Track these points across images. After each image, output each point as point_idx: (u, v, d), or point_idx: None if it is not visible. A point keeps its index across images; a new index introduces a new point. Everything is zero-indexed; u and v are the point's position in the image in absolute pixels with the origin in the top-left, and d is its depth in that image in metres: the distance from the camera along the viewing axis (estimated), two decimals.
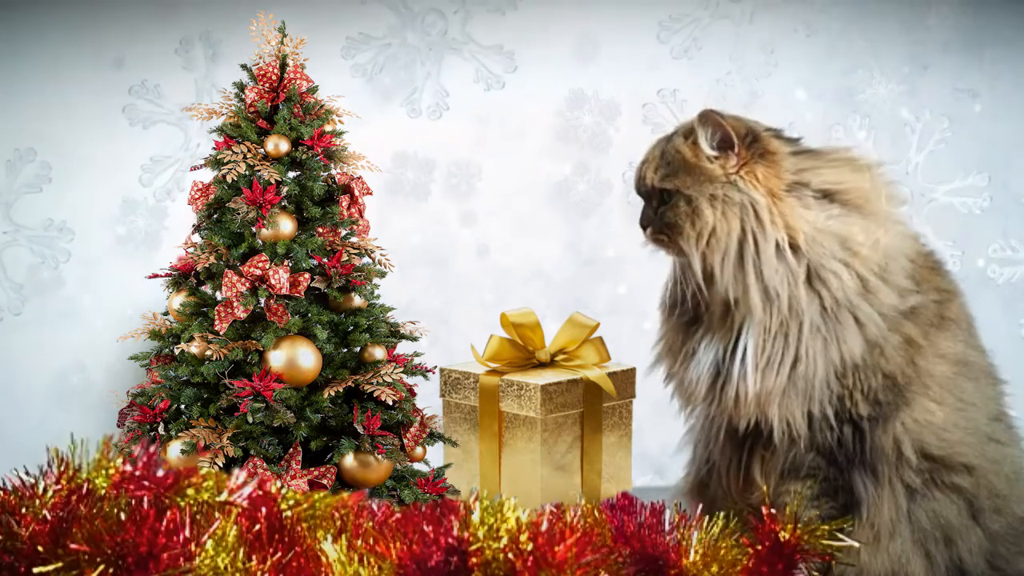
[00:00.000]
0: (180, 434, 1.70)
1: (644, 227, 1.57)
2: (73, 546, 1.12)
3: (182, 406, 1.77)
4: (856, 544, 1.50)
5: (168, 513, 1.15)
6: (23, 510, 1.17)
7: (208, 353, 1.71)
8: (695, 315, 1.59)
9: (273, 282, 1.71)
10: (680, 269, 1.57)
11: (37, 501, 1.17)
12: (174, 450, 1.70)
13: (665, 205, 1.54)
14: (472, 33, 2.37)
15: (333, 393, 1.75)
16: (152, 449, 1.20)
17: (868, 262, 1.51)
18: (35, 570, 1.12)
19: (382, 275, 1.84)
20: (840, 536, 1.25)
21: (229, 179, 1.74)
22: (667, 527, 1.29)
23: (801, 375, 1.50)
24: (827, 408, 1.52)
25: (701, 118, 1.53)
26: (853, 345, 1.50)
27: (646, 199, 1.58)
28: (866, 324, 1.51)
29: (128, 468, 1.18)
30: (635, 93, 2.40)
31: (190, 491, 1.20)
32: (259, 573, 1.18)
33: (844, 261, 1.50)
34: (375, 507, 1.29)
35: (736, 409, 1.55)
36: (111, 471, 1.19)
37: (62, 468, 1.20)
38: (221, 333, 1.73)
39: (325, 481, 1.72)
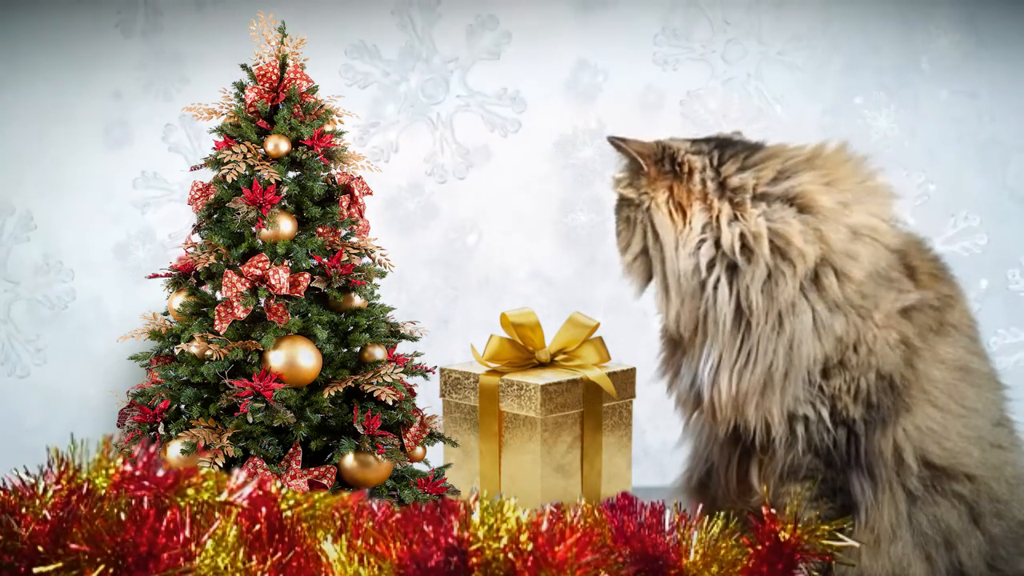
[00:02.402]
0: (180, 434, 1.70)
1: None
2: (73, 546, 1.12)
3: (182, 406, 1.77)
4: (856, 544, 1.50)
5: (168, 513, 1.15)
6: (23, 510, 1.17)
7: (208, 353, 1.71)
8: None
9: (273, 282, 1.71)
10: None
11: (37, 501, 1.17)
12: (174, 450, 1.70)
13: None
14: (455, 122, 2.37)
15: (333, 393, 1.75)
16: (152, 449, 1.20)
17: (809, 260, 1.49)
18: (35, 570, 1.12)
19: (382, 275, 1.84)
20: (840, 536, 1.25)
21: (229, 179, 1.74)
22: (667, 527, 1.29)
23: (771, 374, 1.51)
24: (821, 409, 1.52)
25: (610, 144, 1.59)
26: (819, 343, 1.50)
27: None
28: (826, 322, 1.50)
29: (128, 468, 1.18)
30: None
31: (190, 491, 1.20)
32: (259, 573, 1.18)
33: (790, 260, 1.49)
34: (375, 507, 1.28)
35: (713, 416, 1.56)
36: (111, 471, 1.19)
37: (62, 468, 1.20)
38: (221, 333, 1.73)
39: (325, 481, 1.72)
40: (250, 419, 1.69)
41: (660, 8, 2.37)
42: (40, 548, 1.13)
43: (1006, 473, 1.59)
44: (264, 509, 1.21)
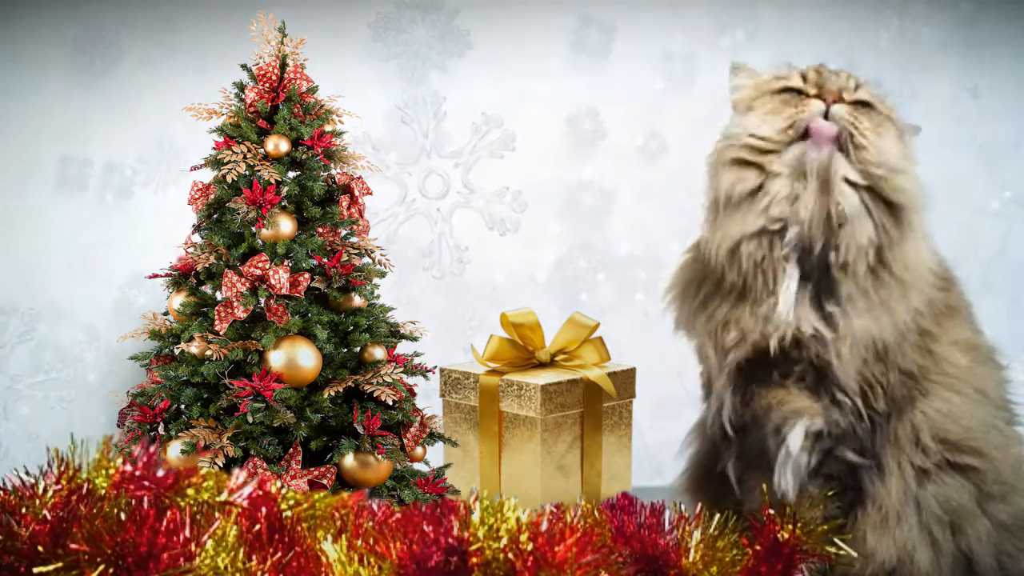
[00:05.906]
0: (180, 434, 1.70)
1: None
2: (73, 546, 1.12)
3: (182, 406, 1.77)
4: (854, 553, 1.50)
5: (168, 513, 1.15)
6: (23, 510, 1.17)
7: (208, 353, 1.71)
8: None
9: (273, 282, 1.72)
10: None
11: (37, 501, 1.17)
12: (174, 450, 1.70)
13: None
14: (407, 227, 2.37)
15: (333, 393, 1.75)
16: (152, 449, 1.20)
17: (921, 279, 1.53)
18: (35, 570, 1.12)
19: (382, 275, 1.84)
20: (838, 543, 1.25)
21: (229, 179, 1.74)
22: (667, 527, 1.29)
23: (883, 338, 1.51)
24: (856, 398, 1.52)
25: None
26: (891, 330, 1.51)
27: None
28: (901, 315, 1.51)
29: (128, 468, 1.18)
30: None
31: (190, 491, 1.20)
32: (259, 573, 1.18)
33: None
34: (375, 507, 1.29)
35: (826, 346, 1.50)
36: (111, 471, 1.19)
37: (62, 468, 1.20)
38: (221, 333, 1.73)
39: (325, 481, 1.72)
40: (250, 419, 1.69)
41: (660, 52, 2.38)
42: (40, 548, 1.13)
43: (1010, 455, 1.59)
44: (264, 509, 1.21)
